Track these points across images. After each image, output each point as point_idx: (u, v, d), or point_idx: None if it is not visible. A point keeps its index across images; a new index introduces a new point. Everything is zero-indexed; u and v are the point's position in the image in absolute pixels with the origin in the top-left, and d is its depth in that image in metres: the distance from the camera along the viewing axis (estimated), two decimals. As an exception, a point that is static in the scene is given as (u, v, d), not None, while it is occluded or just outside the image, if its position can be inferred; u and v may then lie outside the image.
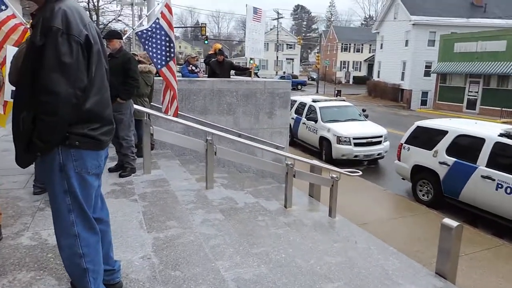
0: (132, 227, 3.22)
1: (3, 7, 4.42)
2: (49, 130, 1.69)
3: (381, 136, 10.59)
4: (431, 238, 5.25)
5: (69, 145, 1.78)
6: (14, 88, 3.82)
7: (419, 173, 7.73)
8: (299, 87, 41.15)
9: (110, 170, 4.68)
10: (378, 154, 10.56)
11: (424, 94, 28.00)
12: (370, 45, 47.76)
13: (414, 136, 8.01)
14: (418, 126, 8.04)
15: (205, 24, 35.39)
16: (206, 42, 36.21)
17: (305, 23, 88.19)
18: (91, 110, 1.80)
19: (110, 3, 28.37)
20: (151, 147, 5.12)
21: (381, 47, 34.93)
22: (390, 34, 32.37)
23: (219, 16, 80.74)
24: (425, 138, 7.70)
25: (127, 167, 4.64)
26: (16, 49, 3.88)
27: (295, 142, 12.50)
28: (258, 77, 11.85)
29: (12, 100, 4.03)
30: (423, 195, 7.68)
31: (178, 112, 5.89)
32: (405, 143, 8.14)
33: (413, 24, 27.84)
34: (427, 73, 27.57)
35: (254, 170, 7.22)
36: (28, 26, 4.42)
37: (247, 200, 5.03)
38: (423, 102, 27.90)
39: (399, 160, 8.30)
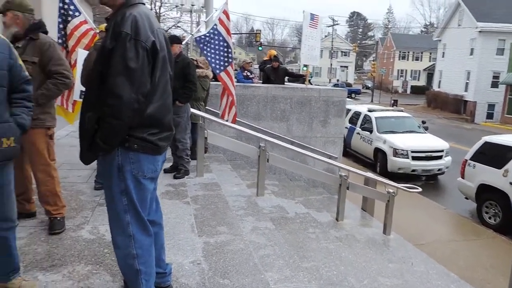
0: (184, 229, 3.24)
1: (76, 14, 4.72)
2: (111, 132, 1.73)
3: (442, 151, 9.94)
4: (499, 266, 4.78)
5: (128, 148, 1.81)
6: (83, 89, 4.07)
7: (486, 193, 7.11)
8: (353, 95, 40.09)
9: (165, 171, 4.79)
10: (439, 170, 9.91)
11: (491, 106, 26.02)
12: (430, 53, 45.45)
13: (481, 152, 7.40)
14: (486, 142, 7.43)
15: (260, 30, 35.77)
16: (260, 48, 36.61)
17: (360, 30, 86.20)
18: (152, 116, 1.82)
19: (171, 10, 29.63)
20: (204, 150, 5.18)
21: (443, 56, 33.08)
22: (453, 42, 30.56)
23: (274, 23, 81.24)
24: (494, 155, 7.08)
25: (181, 169, 4.73)
26: (86, 52, 4.12)
27: (348, 152, 12.12)
28: (311, 84, 11.66)
29: (81, 100, 4.29)
30: (490, 218, 7.05)
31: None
32: (470, 159, 7.54)
33: (480, 32, 26.05)
34: (494, 84, 25.63)
35: (305, 179, 7.07)
36: (98, 31, 4.69)
37: (298, 210, 4.92)
38: (489, 115, 25.93)
39: (462, 177, 7.71)
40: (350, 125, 12.15)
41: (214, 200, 4.17)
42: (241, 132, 5.71)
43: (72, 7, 4.68)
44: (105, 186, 1.95)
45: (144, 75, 1.73)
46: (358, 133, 11.65)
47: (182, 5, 21.91)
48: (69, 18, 4.68)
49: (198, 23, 25.37)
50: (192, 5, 20.72)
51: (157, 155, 1.92)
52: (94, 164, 4.72)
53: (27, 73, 2.17)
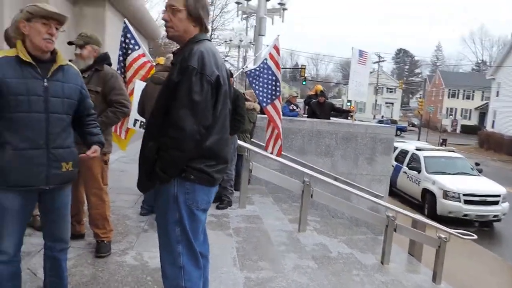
0: (226, 262, 3.20)
1: (136, 47, 5.04)
2: (171, 163, 1.77)
3: (498, 196, 9.25)
4: None
5: (184, 178, 1.83)
6: (136, 117, 4.26)
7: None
8: (399, 133, 38.92)
9: (208, 201, 4.81)
10: (494, 216, 9.19)
11: (551, 150, 24.17)
12: (483, 92, 43.53)
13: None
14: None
15: (305, 65, 36.31)
16: (304, 83, 36.96)
17: (407, 67, 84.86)
18: (211, 148, 1.84)
19: (219, 44, 31.00)
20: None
21: (497, 95, 31.54)
22: (509, 80, 29.13)
23: (318, 58, 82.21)
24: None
25: (224, 200, 4.74)
26: (143, 83, 4.34)
27: (393, 192, 11.62)
28: (355, 120, 11.52)
29: (134, 128, 4.49)
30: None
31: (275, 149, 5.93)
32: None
33: (540, 71, 24.71)
34: (555, 126, 23.89)
35: (348, 217, 6.81)
36: (154, 64, 4.96)
37: (341, 250, 4.71)
38: (550, 160, 24.04)
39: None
40: (396, 163, 11.72)
41: (256, 233, 4.10)
42: (284, 165, 5.67)
43: (132, 41, 5.00)
44: (159, 215, 1.97)
45: (207, 108, 1.77)
46: (405, 172, 11.19)
47: (230, 40, 22.87)
48: (129, 51, 5.00)
49: (245, 58, 26.23)
50: (240, 41, 21.53)
51: (211, 187, 1.93)
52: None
53: (92, 104, 2.31)
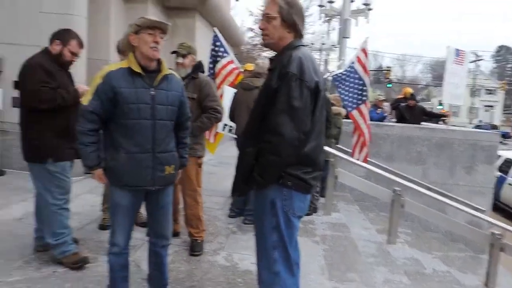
0: (313, 270, 3.14)
1: (225, 55, 5.25)
2: (269, 168, 1.79)
3: None
4: None
5: (282, 184, 1.84)
6: (226, 122, 4.43)
7: None
8: (501, 139, 34.83)
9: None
10: None
11: None
12: None
13: None
14: None
15: (390, 67, 34.54)
16: (389, 85, 35.15)
17: (510, 65, 75.73)
18: (308, 155, 1.83)
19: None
20: (333, 189, 5.05)
21: None
22: None
23: (405, 59, 77.53)
24: None
25: (310, 206, 4.67)
26: (231, 89, 4.51)
27: (497, 205, 10.40)
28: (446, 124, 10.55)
29: (222, 132, 4.67)
30: None
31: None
32: None
33: None
34: None
35: (443, 231, 6.26)
36: (242, 70, 5.11)
37: (437, 267, 4.34)
38: None
39: None
40: (500, 174, 10.47)
41: (343, 242, 3.98)
42: (371, 172, 5.41)
43: (221, 49, 5.21)
44: (256, 220, 2.01)
45: (306, 114, 1.77)
46: (510, 184, 9.94)
47: (312, 44, 22.69)
48: (218, 59, 5.23)
49: (326, 61, 25.83)
50: (322, 44, 21.25)
51: (307, 194, 1.91)
52: (228, 191, 5.02)
53: (189, 110, 2.44)
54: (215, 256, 3.18)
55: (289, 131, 1.72)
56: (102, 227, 3.45)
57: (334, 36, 19.51)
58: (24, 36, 4.96)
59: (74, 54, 2.79)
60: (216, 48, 5.22)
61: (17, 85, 2.75)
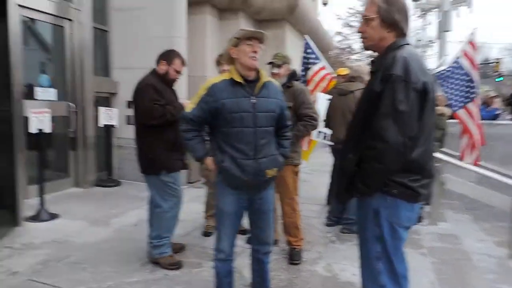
0: (423, 285, 2.89)
1: (317, 61, 5.21)
2: (372, 176, 1.70)
3: None
4: None
5: (386, 192, 1.73)
6: (320, 130, 4.36)
7: None
8: None
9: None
10: None
11: None
12: None
13: None
14: None
15: (499, 59, 30.71)
16: (498, 79, 31.20)
17: None
18: (415, 161, 1.70)
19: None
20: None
21: None
22: None
23: (518, 48, 68.06)
24: None
25: (414, 215, 4.35)
26: (325, 95, 4.43)
27: None
28: None
29: (317, 140, 4.61)
30: None
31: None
32: None
33: None
34: None
35: None
36: (335, 75, 5.01)
37: None
38: None
39: None
40: None
41: (455, 255, 3.60)
42: (484, 177, 4.82)
43: (313, 56, 5.18)
44: (360, 229, 1.93)
45: (412, 118, 1.65)
46: None
47: (407, 41, 21.33)
48: (309, 66, 5.21)
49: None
50: (418, 40, 19.84)
51: (414, 203, 1.77)
52: (324, 199, 4.93)
53: (289, 114, 2.47)
54: (314, 266, 3.13)
55: (394, 136, 1.61)
56: (206, 234, 3.66)
57: (431, 31, 18.10)
58: (134, 60, 5.57)
59: (178, 72, 3.04)
60: (307, 55, 5.21)
61: (130, 104, 3.10)
